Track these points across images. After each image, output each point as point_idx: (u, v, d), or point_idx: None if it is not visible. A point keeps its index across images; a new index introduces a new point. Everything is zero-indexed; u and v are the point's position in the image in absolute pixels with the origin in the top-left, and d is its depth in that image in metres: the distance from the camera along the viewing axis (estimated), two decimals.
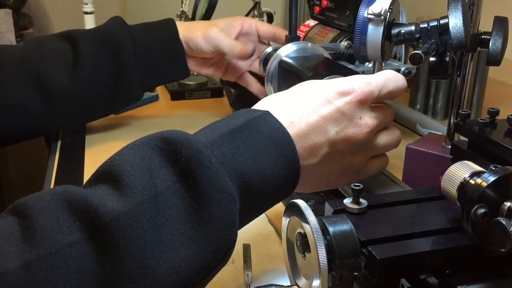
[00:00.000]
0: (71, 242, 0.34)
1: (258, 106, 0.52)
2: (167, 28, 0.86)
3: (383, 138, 0.53)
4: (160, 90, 1.21)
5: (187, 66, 0.89)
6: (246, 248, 0.58)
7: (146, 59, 0.85)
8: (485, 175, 0.40)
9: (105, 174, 0.39)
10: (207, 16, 1.04)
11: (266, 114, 0.47)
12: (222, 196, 0.40)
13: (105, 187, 0.38)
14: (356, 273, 0.40)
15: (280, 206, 0.71)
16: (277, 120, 0.46)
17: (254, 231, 0.63)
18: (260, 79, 0.95)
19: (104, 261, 0.35)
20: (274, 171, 0.44)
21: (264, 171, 0.43)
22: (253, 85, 0.95)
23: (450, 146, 0.62)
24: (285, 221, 0.46)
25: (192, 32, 0.86)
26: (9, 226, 0.34)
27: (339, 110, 0.48)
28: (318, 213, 0.46)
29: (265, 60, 0.79)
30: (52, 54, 0.81)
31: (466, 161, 0.44)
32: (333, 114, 0.48)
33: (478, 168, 0.43)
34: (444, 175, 0.44)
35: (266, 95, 0.64)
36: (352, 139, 0.49)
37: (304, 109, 0.48)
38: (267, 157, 0.44)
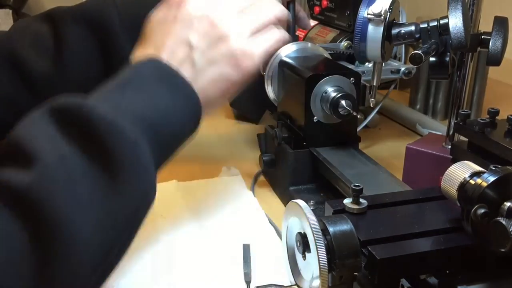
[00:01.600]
0: None
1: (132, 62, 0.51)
2: None
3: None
4: None
5: None
6: (246, 248, 0.58)
7: (135, 35, 0.71)
8: (485, 175, 0.40)
9: (12, 150, 0.39)
10: None
11: (142, 61, 0.48)
12: (125, 143, 0.40)
13: (10, 162, 0.38)
14: (356, 273, 0.40)
15: (280, 206, 0.71)
16: (149, 59, 0.48)
17: (254, 231, 0.63)
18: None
19: (28, 225, 0.35)
20: (167, 101, 0.45)
21: (157, 102, 0.44)
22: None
23: (450, 146, 0.62)
24: (285, 221, 0.46)
25: None
26: None
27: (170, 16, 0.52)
28: (318, 213, 0.46)
29: (265, 60, 0.79)
30: (33, 40, 0.74)
31: (466, 161, 0.44)
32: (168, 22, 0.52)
33: (478, 168, 0.43)
34: (444, 175, 0.44)
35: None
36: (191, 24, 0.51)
37: (153, 38, 0.52)
38: (155, 92, 0.45)
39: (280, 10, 0.56)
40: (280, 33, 0.55)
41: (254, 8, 0.54)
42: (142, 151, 0.41)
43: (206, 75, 0.50)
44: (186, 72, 0.48)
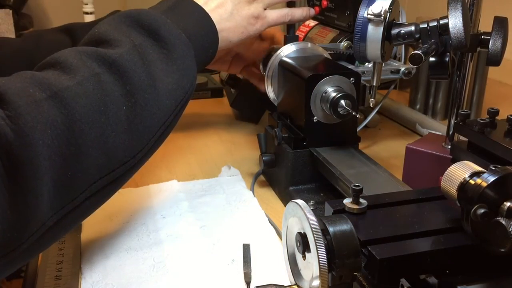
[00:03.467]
0: (96, 72, 0.48)
1: None
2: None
3: None
4: None
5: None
6: (246, 248, 0.58)
7: None
8: (485, 175, 0.40)
9: (96, 39, 0.53)
10: None
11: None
12: (181, 42, 0.56)
13: (99, 46, 0.52)
14: (356, 273, 0.40)
15: (280, 206, 0.71)
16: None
17: (254, 231, 0.63)
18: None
19: (123, 83, 0.49)
20: (201, 26, 0.63)
21: (196, 26, 0.62)
22: (256, 77, 0.94)
23: (450, 146, 0.62)
24: (285, 221, 0.46)
25: None
26: (49, 71, 0.48)
27: None
28: (318, 213, 0.46)
29: (265, 60, 0.79)
30: (50, 47, 0.78)
31: (466, 161, 0.44)
32: None
33: (478, 168, 0.43)
34: (444, 175, 0.44)
35: (265, 88, 0.80)
36: None
37: None
38: (193, 20, 0.62)
39: None
40: (289, 14, 0.76)
41: None
42: (190, 49, 0.58)
43: (230, 21, 0.67)
44: (215, 14, 0.65)
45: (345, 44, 0.83)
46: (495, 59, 0.61)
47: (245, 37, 0.70)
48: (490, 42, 0.60)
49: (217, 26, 0.64)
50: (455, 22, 0.55)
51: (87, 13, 1.30)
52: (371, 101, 0.67)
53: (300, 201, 0.42)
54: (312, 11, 0.81)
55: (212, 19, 0.64)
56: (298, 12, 0.78)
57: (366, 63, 0.81)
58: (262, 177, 0.79)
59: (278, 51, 0.76)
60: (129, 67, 0.50)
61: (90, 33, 0.54)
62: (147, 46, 0.53)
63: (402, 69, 0.82)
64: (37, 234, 0.43)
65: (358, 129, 0.82)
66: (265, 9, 0.72)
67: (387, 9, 0.59)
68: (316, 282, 0.40)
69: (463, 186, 0.42)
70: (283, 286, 0.43)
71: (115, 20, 0.56)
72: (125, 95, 0.49)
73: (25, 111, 0.41)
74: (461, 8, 0.55)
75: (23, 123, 0.41)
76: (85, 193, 0.46)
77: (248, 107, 1.01)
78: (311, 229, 0.40)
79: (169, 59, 0.54)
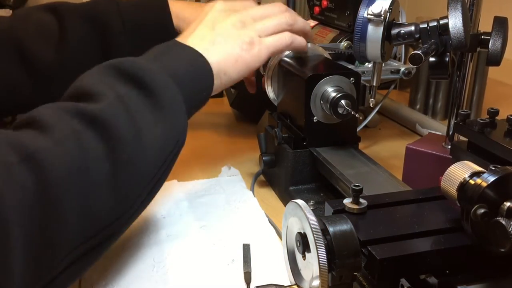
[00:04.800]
0: (76, 130, 0.44)
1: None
2: (158, 5, 0.82)
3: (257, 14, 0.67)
4: None
5: None
6: (246, 248, 0.58)
7: (136, 38, 0.80)
8: (485, 175, 0.40)
9: (77, 93, 0.49)
10: None
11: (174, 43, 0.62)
12: (167, 88, 0.52)
13: (80, 100, 0.48)
14: (356, 273, 0.40)
15: (280, 206, 0.71)
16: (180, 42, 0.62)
17: (254, 231, 0.63)
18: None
19: (106, 138, 0.45)
20: (192, 68, 0.58)
21: (186, 68, 0.57)
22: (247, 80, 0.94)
23: (450, 146, 0.62)
24: (285, 221, 0.46)
25: (185, 16, 0.83)
26: (25, 131, 0.44)
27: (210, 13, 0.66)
28: (318, 213, 0.46)
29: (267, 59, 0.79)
30: (37, 27, 0.76)
31: (466, 161, 0.44)
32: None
33: (478, 168, 0.43)
34: (444, 175, 0.44)
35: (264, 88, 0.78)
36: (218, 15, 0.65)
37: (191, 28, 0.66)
38: (184, 63, 0.58)
39: (291, 18, 0.69)
40: (288, 37, 0.68)
41: (270, 17, 0.68)
42: (178, 96, 0.54)
43: (221, 49, 0.62)
44: (201, 46, 0.60)
45: (345, 44, 0.83)
46: (495, 59, 0.61)
47: (243, 67, 0.63)
48: (490, 42, 0.60)
49: (211, 64, 0.60)
50: (455, 22, 0.55)
51: None
52: (371, 101, 0.68)
53: (300, 201, 0.42)
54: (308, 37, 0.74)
55: (206, 58, 0.60)
56: (298, 40, 0.70)
57: (366, 63, 0.81)
58: (262, 177, 0.79)
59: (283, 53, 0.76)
60: (112, 120, 0.46)
61: (72, 87, 0.51)
62: (132, 96, 0.49)
63: (402, 69, 0.82)
64: None
65: (358, 129, 0.82)
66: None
67: (387, 9, 0.59)
68: (316, 282, 0.40)
69: (463, 186, 0.42)
70: (283, 286, 0.43)
71: (98, 71, 0.52)
72: (108, 151, 0.45)
73: None
74: (461, 8, 0.55)
75: None
76: (64, 262, 0.42)
77: (248, 107, 1.01)
78: (311, 229, 0.40)
79: (155, 108, 0.50)
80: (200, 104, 0.61)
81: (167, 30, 0.81)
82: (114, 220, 0.46)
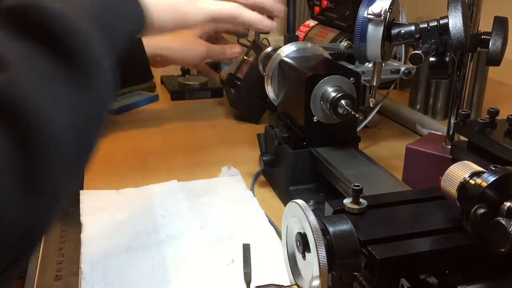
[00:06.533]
0: None
1: None
2: None
3: None
4: (160, 90, 1.22)
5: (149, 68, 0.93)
6: (246, 248, 0.58)
7: None
8: (485, 175, 0.40)
9: None
10: None
11: None
12: (83, 39, 0.40)
13: None
14: (356, 273, 0.40)
15: (280, 206, 0.71)
16: None
17: (254, 231, 0.63)
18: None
19: (6, 125, 0.34)
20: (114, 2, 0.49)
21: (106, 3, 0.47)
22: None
23: (450, 146, 0.62)
24: (285, 221, 0.46)
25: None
26: None
27: None
28: (318, 213, 0.46)
29: (265, 60, 0.79)
30: None
31: (466, 161, 0.44)
32: None
33: (478, 168, 0.43)
34: (444, 175, 0.44)
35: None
36: None
37: None
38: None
39: None
40: (234, 8, 0.65)
41: None
42: (99, 45, 0.42)
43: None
44: None
45: (345, 44, 0.83)
46: (495, 59, 0.61)
47: (178, 19, 0.61)
48: (490, 42, 0.60)
49: (149, 4, 0.54)
50: (455, 22, 0.55)
51: None
52: (371, 101, 0.67)
53: (300, 201, 0.42)
54: (274, 25, 0.71)
55: None
56: (249, 14, 0.68)
57: (366, 63, 0.81)
58: (262, 177, 0.79)
59: (278, 51, 0.76)
60: (18, 97, 0.35)
61: None
62: (41, 58, 0.38)
63: (402, 69, 0.82)
64: None
65: (358, 129, 0.82)
66: None
67: (387, 9, 0.59)
68: (316, 282, 0.40)
69: (463, 186, 0.42)
70: (283, 286, 0.43)
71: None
72: (11, 142, 0.34)
73: None
74: (461, 8, 0.55)
75: None
76: None
77: (248, 107, 1.01)
78: (311, 229, 0.40)
79: (74, 69, 0.39)
80: (125, 43, 0.50)
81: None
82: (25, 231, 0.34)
